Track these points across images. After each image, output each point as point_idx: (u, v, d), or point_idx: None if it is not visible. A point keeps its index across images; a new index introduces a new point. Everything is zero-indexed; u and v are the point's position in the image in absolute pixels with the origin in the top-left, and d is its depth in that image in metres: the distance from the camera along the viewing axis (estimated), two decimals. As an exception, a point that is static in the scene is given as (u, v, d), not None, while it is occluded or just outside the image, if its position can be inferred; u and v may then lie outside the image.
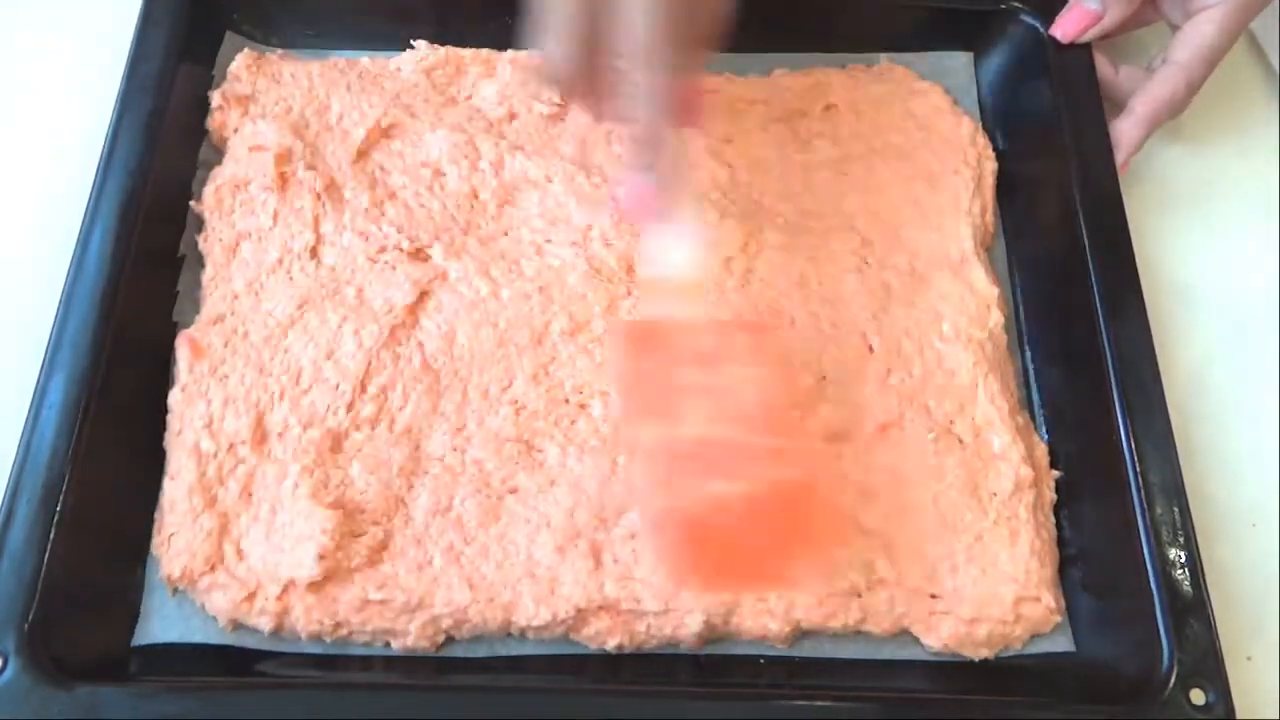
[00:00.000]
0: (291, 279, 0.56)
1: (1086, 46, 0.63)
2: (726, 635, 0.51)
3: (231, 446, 0.52)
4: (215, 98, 0.62)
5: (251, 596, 0.49)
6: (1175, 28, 0.63)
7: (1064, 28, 0.62)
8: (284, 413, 0.53)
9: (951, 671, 0.51)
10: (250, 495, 0.51)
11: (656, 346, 0.48)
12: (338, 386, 0.54)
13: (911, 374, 0.56)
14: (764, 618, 0.50)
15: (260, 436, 0.52)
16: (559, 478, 0.52)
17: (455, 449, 0.53)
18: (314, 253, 0.57)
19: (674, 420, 0.46)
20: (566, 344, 0.55)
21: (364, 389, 0.54)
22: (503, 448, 0.53)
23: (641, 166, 0.48)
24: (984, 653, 0.51)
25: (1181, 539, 0.49)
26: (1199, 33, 0.61)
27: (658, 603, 0.49)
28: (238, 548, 0.50)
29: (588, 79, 0.47)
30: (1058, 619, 0.51)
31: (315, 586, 0.49)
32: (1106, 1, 0.62)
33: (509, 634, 0.50)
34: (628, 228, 0.58)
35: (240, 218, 0.58)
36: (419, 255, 0.58)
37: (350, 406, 0.53)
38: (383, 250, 0.57)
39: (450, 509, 0.51)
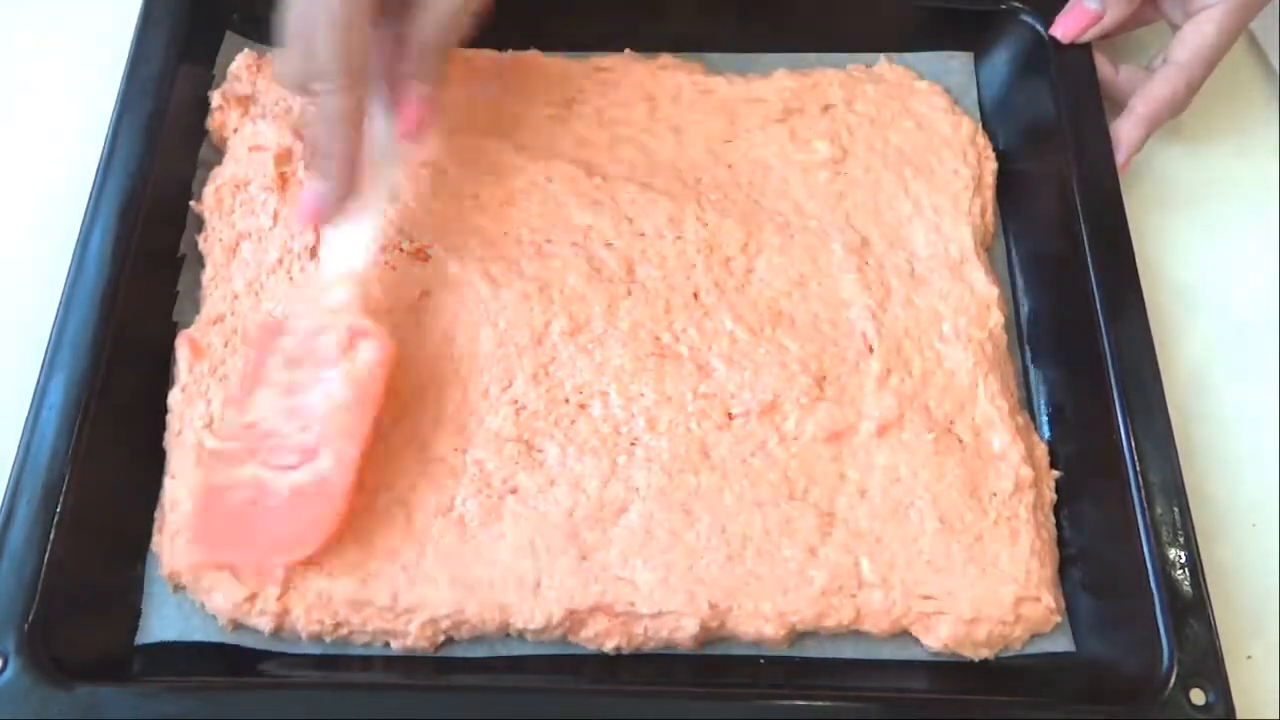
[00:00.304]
0: (292, 279, 0.56)
1: (1086, 46, 0.63)
2: (723, 638, 0.51)
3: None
4: (215, 98, 0.62)
5: (253, 596, 0.49)
6: (1175, 27, 0.63)
7: (1064, 28, 0.62)
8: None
9: (951, 671, 0.51)
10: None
11: (271, 341, 0.52)
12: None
13: (911, 374, 0.56)
14: (758, 621, 0.50)
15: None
16: (558, 478, 0.52)
17: (456, 449, 0.53)
18: (314, 253, 0.57)
19: (248, 408, 0.50)
20: (566, 344, 0.55)
21: None
22: (503, 448, 0.53)
23: (318, 175, 0.51)
24: (984, 653, 0.51)
25: (1181, 539, 0.49)
26: (1199, 33, 0.61)
27: (652, 606, 0.49)
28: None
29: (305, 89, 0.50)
30: (1058, 619, 0.51)
31: (311, 566, 0.49)
32: (1106, 1, 0.61)
33: (508, 635, 0.50)
34: (628, 228, 0.58)
35: (240, 218, 0.58)
36: (419, 255, 0.58)
37: None
38: (383, 250, 0.57)
39: (451, 509, 0.51)
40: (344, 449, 0.49)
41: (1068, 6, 0.63)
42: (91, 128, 0.59)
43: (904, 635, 0.51)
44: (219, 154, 0.61)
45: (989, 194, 0.62)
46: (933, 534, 0.52)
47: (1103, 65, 0.63)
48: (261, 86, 0.62)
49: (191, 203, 0.59)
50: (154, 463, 0.53)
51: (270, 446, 0.49)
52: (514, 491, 0.52)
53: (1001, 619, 0.50)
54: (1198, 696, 0.46)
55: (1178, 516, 0.50)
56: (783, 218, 0.60)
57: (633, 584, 0.50)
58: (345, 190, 0.51)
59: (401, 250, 0.57)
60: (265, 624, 0.49)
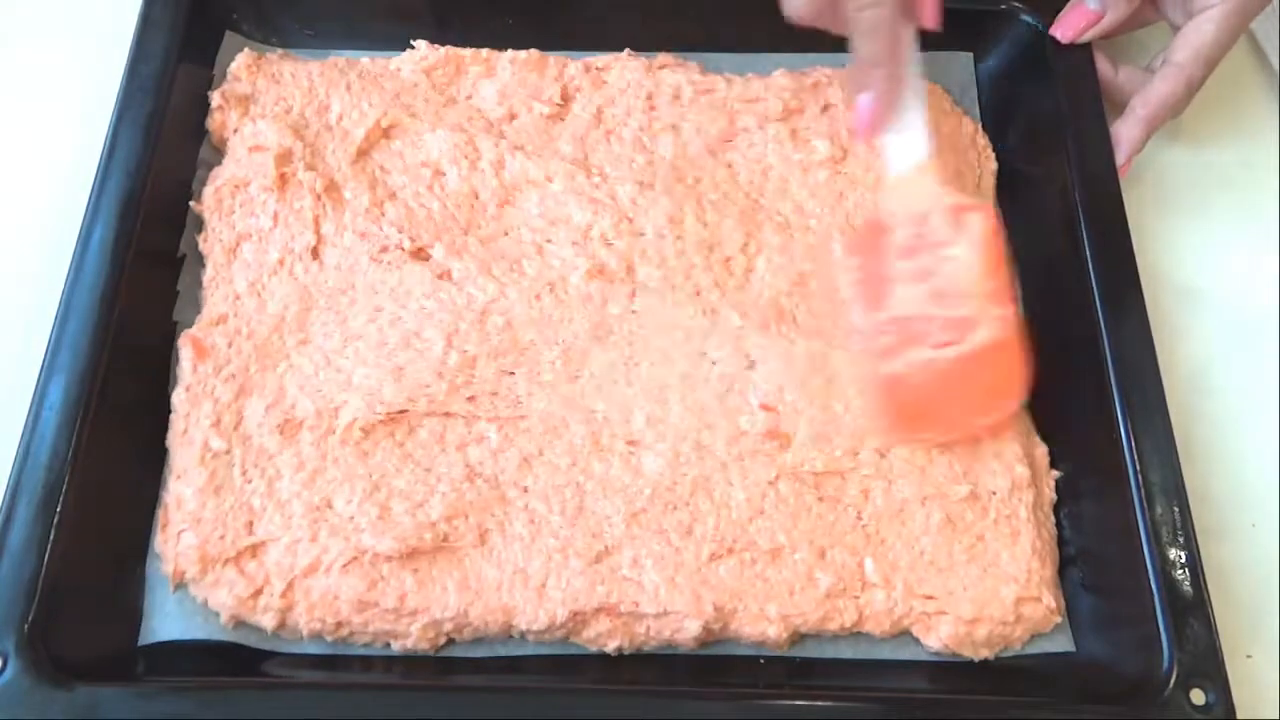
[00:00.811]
0: (294, 279, 0.57)
1: (1086, 46, 0.63)
2: (724, 639, 0.51)
3: (242, 444, 0.52)
4: (215, 98, 0.62)
5: (257, 593, 0.49)
6: (1176, 28, 0.63)
7: (1064, 28, 0.62)
8: (295, 411, 0.53)
9: (951, 671, 0.51)
10: (262, 493, 0.51)
11: (877, 243, 0.55)
12: (352, 385, 0.54)
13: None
14: (761, 623, 0.50)
15: (271, 434, 0.52)
16: (565, 480, 0.52)
17: (461, 449, 0.53)
18: (315, 253, 0.57)
19: (887, 305, 0.54)
20: (570, 343, 0.55)
21: (381, 388, 0.53)
22: (512, 448, 0.53)
23: (865, 88, 0.55)
24: (984, 653, 0.51)
25: (1181, 539, 0.49)
26: (1199, 33, 0.61)
27: (657, 606, 0.49)
28: (248, 544, 0.50)
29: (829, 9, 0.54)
30: (1058, 619, 0.51)
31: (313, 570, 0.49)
32: (1106, 2, 0.61)
33: (509, 636, 0.50)
34: (627, 227, 0.58)
35: (240, 218, 0.58)
36: (420, 255, 0.58)
37: (369, 406, 0.53)
38: (384, 250, 0.57)
39: (461, 511, 0.51)
40: (1002, 310, 0.52)
41: (1068, 7, 0.63)
42: (91, 128, 0.59)
43: (904, 635, 0.51)
44: (219, 154, 0.61)
45: (989, 194, 0.62)
46: (935, 534, 0.52)
47: (1103, 65, 0.63)
48: (261, 86, 0.62)
49: (191, 203, 0.59)
50: (154, 463, 0.53)
51: (926, 330, 0.52)
52: (523, 492, 0.52)
53: (1002, 619, 0.50)
54: (1198, 696, 0.46)
55: (1178, 516, 0.50)
56: (782, 217, 0.60)
57: (639, 585, 0.50)
58: (896, 95, 0.55)
59: (403, 250, 0.57)
60: (268, 621, 0.49)
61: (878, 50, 0.53)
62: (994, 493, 0.53)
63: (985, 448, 0.54)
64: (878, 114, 0.55)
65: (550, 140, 0.62)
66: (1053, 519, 0.54)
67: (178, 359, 0.55)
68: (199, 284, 0.57)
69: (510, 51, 0.64)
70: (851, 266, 0.56)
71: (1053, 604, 0.51)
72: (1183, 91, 0.61)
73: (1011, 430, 0.54)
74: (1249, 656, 0.52)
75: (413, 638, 0.49)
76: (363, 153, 0.61)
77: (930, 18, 0.55)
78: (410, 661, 0.50)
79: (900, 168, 0.56)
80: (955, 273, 0.53)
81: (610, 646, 0.50)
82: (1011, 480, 0.53)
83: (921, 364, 0.52)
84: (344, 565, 0.50)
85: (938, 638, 0.50)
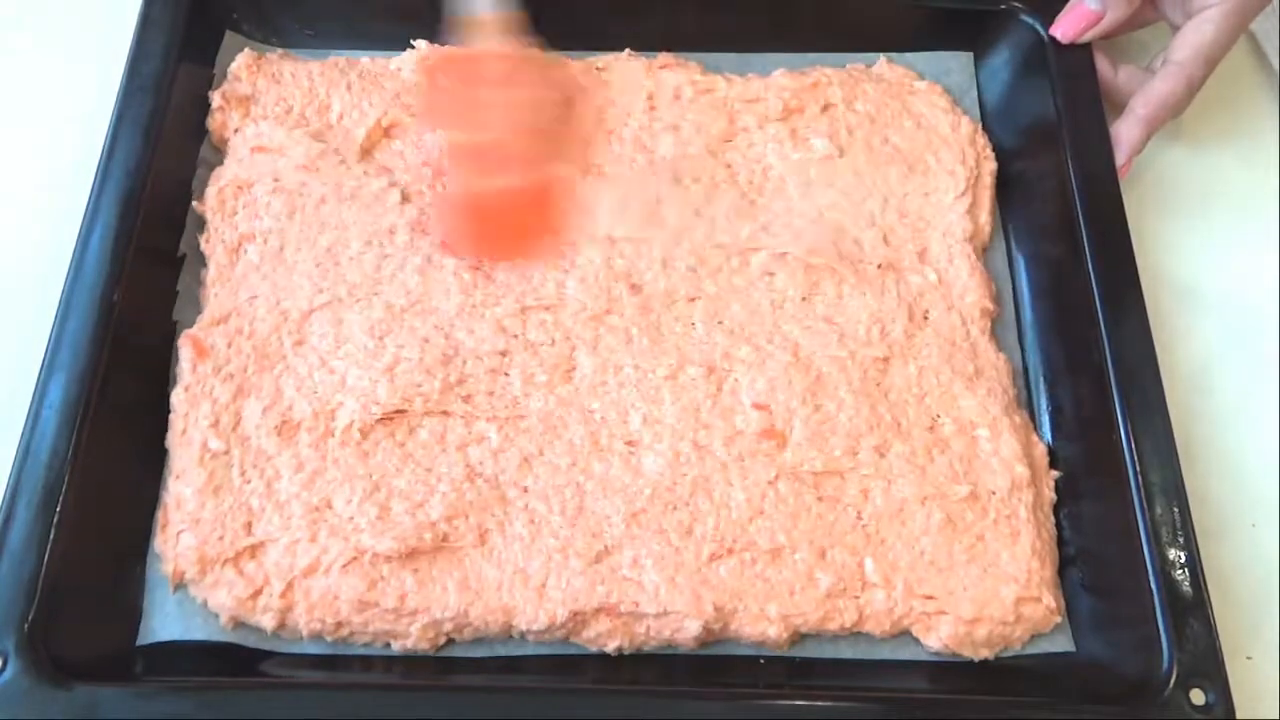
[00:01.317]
0: (295, 279, 0.56)
1: (1086, 46, 0.63)
2: (725, 639, 0.51)
3: (241, 445, 0.52)
4: (216, 98, 0.62)
5: (257, 593, 0.49)
6: (1175, 28, 0.63)
7: (1064, 28, 0.62)
8: (292, 413, 0.53)
9: (951, 671, 0.51)
10: (261, 493, 0.51)
11: (464, 73, 0.57)
12: (346, 386, 0.54)
13: (907, 371, 0.56)
14: (762, 623, 0.50)
15: (269, 435, 0.52)
16: (564, 481, 0.52)
17: (462, 449, 0.53)
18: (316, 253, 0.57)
19: (473, 128, 0.57)
20: (565, 341, 0.55)
21: (375, 389, 0.53)
22: (512, 449, 0.53)
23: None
24: (984, 653, 0.51)
25: (1181, 539, 0.49)
26: (1199, 33, 0.61)
27: (657, 606, 0.49)
28: (247, 545, 0.50)
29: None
30: (1058, 619, 0.51)
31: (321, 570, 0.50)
32: (1107, 2, 0.62)
33: (509, 636, 0.50)
34: (629, 230, 0.58)
35: (243, 219, 0.58)
36: (418, 254, 0.58)
37: (364, 407, 0.53)
38: (382, 250, 0.57)
39: (461, 511, 0.51)
40: (567, 167, 0.58)
41: (1068, 7, 0.63)
42: (91, 128, 0.59)
43: (904, 635, 0.51)
44: (219, 154, 0.61)
45: (989, 194, 0.62)
46: (935, 534, 0.52)
47: (1102, 66, 0.63)
48: (262, 86, 0.62)
49: (194, 203, 0.59)
50: (154, 463, 0.53)
51: (496, 160, 0.56)
52: (524, 492, 0.52)
53: (1002, 619, 0.50)
54: (1198, 696, 0.46)
55: (1178, 516, 0.50)
56: (783, 215, 0.60)
57: (639, 585, 0.50)
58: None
59: (401, 250, 0.57)
60: (268, 621, 0.49)
61: None
62: (994, 493, 0.53)
63: (984, 446, 0.54)
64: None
65: (550, 140, 0.62)
66: (1053, 519, 0.54)
67: (177, 359, 0.55)
68: (199, 284, 0.57)
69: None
70: (437, 86, 0.58)
71: (1053, 604, 0.51)
72: (1183, 91, 0.61)
73: (1010, 428, 0.54)
74: (1249, 657, 0.52)
75: (413, 638, 0.49)
76: (364, 152, 0.61)
77: None
78: (410, 661, 0.50)
79: (481, 7, 0.57)
80: (536, 116, 0.56)
81: (610, 646, 0.50)
82: (1011, 480, 0.53)
83: (494, 189, 0.56)
84: (344, 565, 0.50)
85: (938, 638, 0.50)
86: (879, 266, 0.59)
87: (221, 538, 0.50)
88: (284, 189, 0.59)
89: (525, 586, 0.50)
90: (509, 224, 0.57)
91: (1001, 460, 0.54)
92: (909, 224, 0.60)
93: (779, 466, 0.53)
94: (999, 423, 0.54)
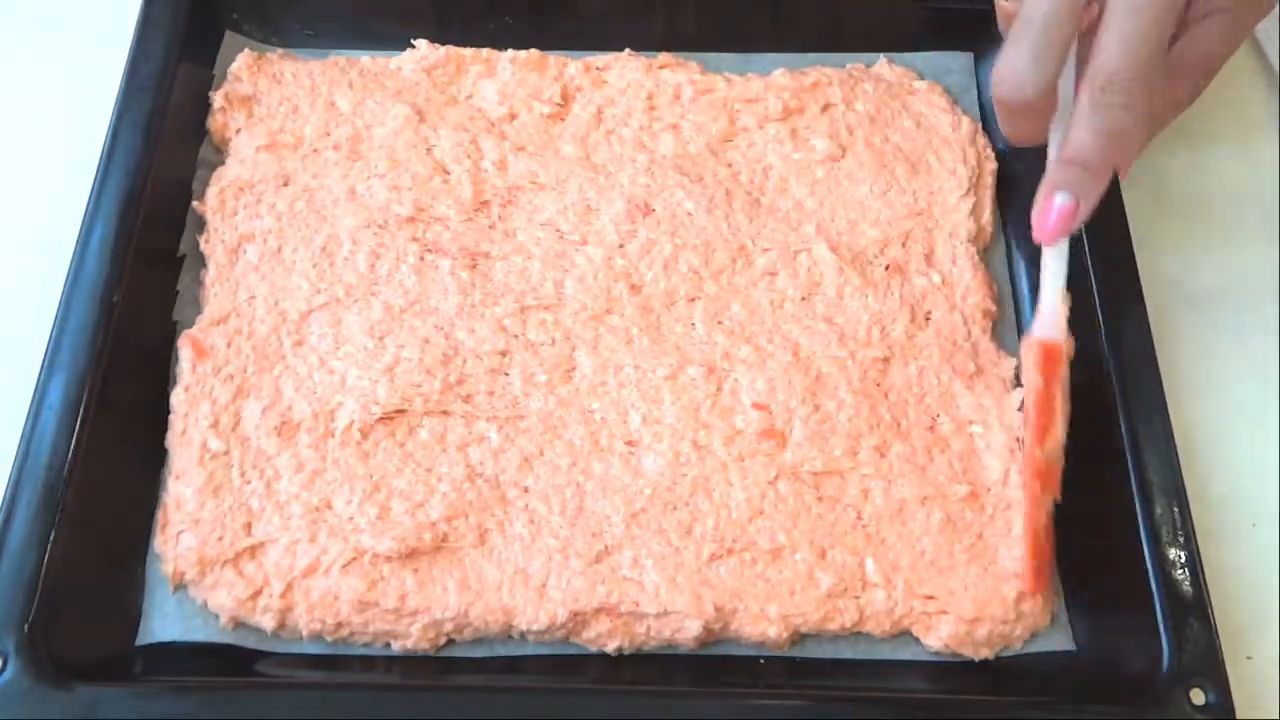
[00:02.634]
0: (295, 279, 0.56)
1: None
2: (725, 639, 0.51)
3: (241, 445, 0.52)
4: (218, 98, 0.62)
5: (257, 594, 0.49)
6: (1173, 37, 0.63)
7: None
8: (292, 413, 0.53)
9: (951, 671, 0.51)
10: (260, 493, 0.51)
11: (1056, 367, 0.50)
12: (346, 386, 0.54)
13: (907, 372, 0.56)
14: (762, 623, 0.50)
15: (269, 435, 0.52)
16: (564, 481, 0.52)
17: (462, 449, 0.53)
18: (318, 253, 0.57)
19: (1049, 442, 0.49)
20: (565, 342, 0.55)
21: (375, 389, 0.53)
22: (513, 449, 0.53)
23: (1066, 188, 0.47)
24: (984, 653, 0.51)
25: (1181, 539, 0.49)
26: (1201, 39, 0.61)
27: (658, 606, 0.49)
28: (247, 545, 0.50)
29: (1047, 98, 0.47)
30: (1058, 619, 0.51)
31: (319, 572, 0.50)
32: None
33: (509, 636, 0.50)
34: (629, 230, 0.58)
35: (244, 219, 0.58)
36: (420, 256, 0.58)
37: (364, 408, 0.53)
38: (382, 250, 0.57)
39: (461, 511, 0.51)
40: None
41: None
42: (91, 128, 0.59)
43: (904, 635, 0.51)
44: (219, 154, 0.61)
45: (990, 194, 0.62)
46: (935, 533, 0.52)
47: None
48: (263, 86, 0.62)
49: (194, 203, 0.59)
50: (154, 463, 0.53)
51: (1053, 481, 0.50)
52: (524, 492, 0.52)
53: (1003, 618, 0.50)
54: (1198, 696, 0.46)
55: (1178, 516, 0.50)
56: (783, 215, 0.60)
57: (639, 585, 0.50)
58: (1095, 207, 0.48)
59: (401, 250, 0.57)
60: (268, 622, 0.49)
61: (1108, 148, 0.46)
62: (990, 490, 0.53)
63: (983, 445, 0.54)
64: (1070, 220, 0.48)
65: (551, 140, 0.62)
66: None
67: (177, 359, 0.55)
68: (199, 284, 0.57)
69: (510, 51, 0.64)
70: (1027, 386, 0.51)
71: (1053, 603, 0.51)
72: (1185, 95, 0.61)
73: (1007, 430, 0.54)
74: (1249, 657, 0.52)
75: (413, 638, 0.49)
76: (360, 153, 0.61)
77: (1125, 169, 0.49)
78: (410, 661, 0.50)
79: (1063, 291, 0.50)
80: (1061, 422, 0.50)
81: (610, 647, 0.50)
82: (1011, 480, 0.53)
83: (1049, 516, 0.50)
84: (344, 566, 0.50)
85: (938, 637, 0.50)
86: (886, 268, 0.59)
87: (221, 538, 0.50)
88: (284, 189, 0.59)
89: (525, 586, 0.50)
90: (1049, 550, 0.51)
91: (997, 458, 0.53)
92: (916, 224, 0.60)
93: (779, 466, 0.53)
94: (995, 422, 0.54)
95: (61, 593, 0.47)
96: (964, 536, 0.52)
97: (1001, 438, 0.54)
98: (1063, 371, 0.49)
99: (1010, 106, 0.48)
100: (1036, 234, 0.49)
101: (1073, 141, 0.47)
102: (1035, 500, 0.50)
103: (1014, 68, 0.46)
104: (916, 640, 0.51)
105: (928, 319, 0.57)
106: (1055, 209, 0.48)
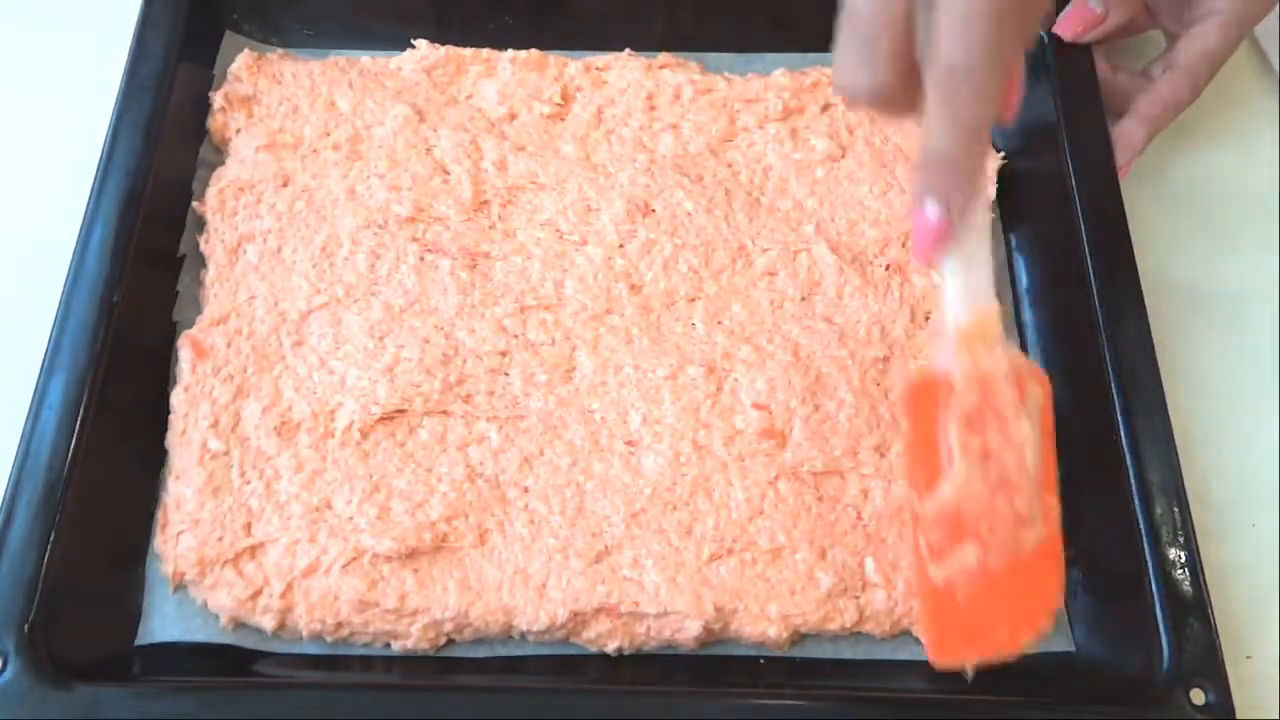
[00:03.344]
0: (295, 279, 0.56)
1: (1086, 47, 0.63)
2: (725, 639, 0.51)
3: (240, 445, 0.52)
4: (217, 99, 0.62)
5: (256, 594, 0.49)
6: (1171, 36, 0.63)
7: (1066, 26, 0.62)
8: (292, 413, 0.53)
9: (951, 671, 0.51)
10: (260, 493, 0.51)
11: (934, 403, 0.44)
12: (346, 386, 0.54)
13: (907, 371, 0.56)
14: (762, 623, 0.50)
15: (268, 435, 0.52)
16: (564, 481, 0.52)
17: (462, 449, 0.53)
18: (319, 253, 0.57)
19: (941, 489, 0.43)
20: (565, 342, 0.55)
21: (375, 389, 0.53)
22: (513, 449, 0.53)
23: (929, 195, 0.41)
24: (984, 653, 0.51)
25: (1181, 539, 0.49)
26: (1202, 39, 0.61)
27: (658, 606, 0.49)
28: (247, 546, 0.50)
29: (896, 99, 0.41)
30: (1058, 619, 0.51)
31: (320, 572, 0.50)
32: (1109, 4, 0.61)
33: (509, 636, 0.50)
34: (629, 229, 0.58)
35: (244, 219, 0.58)
36: (420, 256, 0.58)
37: (364, 408, 0.53)
38: (382, 250, 0.57)
39: (461, 511, 0.51)
40: (1049, 503, 0.44)
41: (1070, 6, 0.63)
42: (91, 128, 0.59)
43: (904, 635, 0.51)
44: (220, 154, 0.61)
45: (989, 194, 0.62)
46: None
47: (1102, 69, 0.63)
48: (263, 87, 0.62)
49: (194, 203, 0.59)
50: (154, 463, 0.53)
51: (978, 527, 0.43)
52: (524, 492, 0.52)
53: (1002, 619, 0.50)
54: (1198, 696, 0.46)
55: (1178, 516, 0.50)
56: (783, 215, 0.60)
57: (639, 585, 0.50)
58: (969, 208, 0.42)
59: (401, 250, 0.57)
60: (268, 622, 0.49)
61: (973, 156, 0.41)
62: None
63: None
64: (944, 230, 0.41)
65: (551, 140, 0.62)
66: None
67: (177, 359, 0.55)
68: (199, 284, 0.57)
69: (510, 51, 0.64)
70: (902, 429, 0.46)
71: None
72: (1187, 95, 0.62)
73: None
74: (1249, 657, 0.52)
75: (413, 638, 0.49)
76: (360, 153, 0.61)
77: (1010, 109, 0.43)
78: (410, 661, 0.50)
79: (961, 312, 0.44)
80: (1017, 456, 0.43)
81: (610, 647, 0.50)
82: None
83: (972, 572, 0.43)
84: (344, 566, 0.50)
85: (938, 638, 0.50)
86: (886, 268, 0.59)
87: (221, 538, 0.50)
88: (284, 189, 0.59)
89: (525, 586, 0.50)
90: (1004, 609, 0.44)
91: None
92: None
93: (779, 466, 0.53)
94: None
95: (61, 593, 0.47)
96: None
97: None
98: (1034, 404, 0.44)
99: (857, 107, 0.44)
100: (914, 256, 0.44)
101: (930, 140, 0.40)
102: (923, 561, 0.44)
103: (842, 71, 0.41)
104: (916, 640, 0.51)
105: (928, 319, 0.58)
106: (923, 226, 0.42)
